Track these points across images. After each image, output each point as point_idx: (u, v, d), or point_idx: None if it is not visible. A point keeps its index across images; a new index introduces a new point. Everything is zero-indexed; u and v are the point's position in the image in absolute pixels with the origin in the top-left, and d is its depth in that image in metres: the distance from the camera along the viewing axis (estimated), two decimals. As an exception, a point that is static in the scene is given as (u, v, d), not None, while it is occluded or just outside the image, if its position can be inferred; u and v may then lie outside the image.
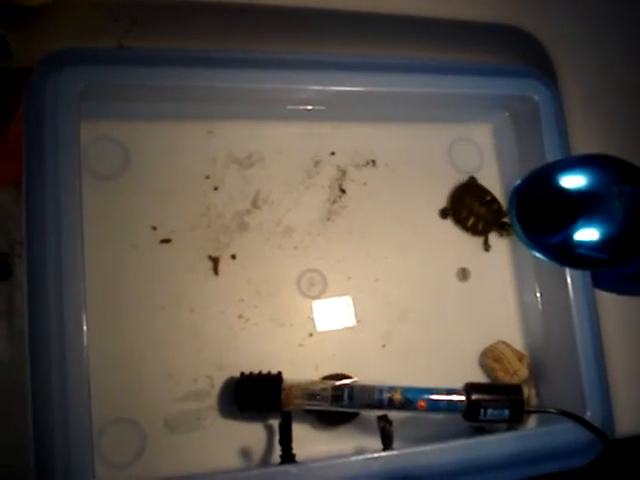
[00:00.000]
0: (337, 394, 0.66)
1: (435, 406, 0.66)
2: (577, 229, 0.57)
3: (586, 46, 0.90)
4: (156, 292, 0.68)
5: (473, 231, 0.80)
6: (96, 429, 0.59)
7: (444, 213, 0.80)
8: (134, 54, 0.68)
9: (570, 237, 0.58)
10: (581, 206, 0.57)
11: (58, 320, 0.58)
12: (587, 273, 0.74)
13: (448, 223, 0.80)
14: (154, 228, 0.70)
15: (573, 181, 0.59)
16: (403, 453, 0.64)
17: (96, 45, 0.71)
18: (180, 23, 0.75)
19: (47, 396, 0.56)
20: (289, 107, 0.75)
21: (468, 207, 0.80)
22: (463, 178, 0.82)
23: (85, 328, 0.58)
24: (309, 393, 0.66)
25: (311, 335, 0.72)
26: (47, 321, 0.57)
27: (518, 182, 0.63)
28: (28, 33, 0.69)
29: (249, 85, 0.69)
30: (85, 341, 0.58)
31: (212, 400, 0.68)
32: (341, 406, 0.66)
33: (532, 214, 0.61)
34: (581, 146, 0.84)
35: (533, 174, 0.63)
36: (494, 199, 0.81)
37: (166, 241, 0.70)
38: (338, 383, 0.67)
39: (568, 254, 0.59)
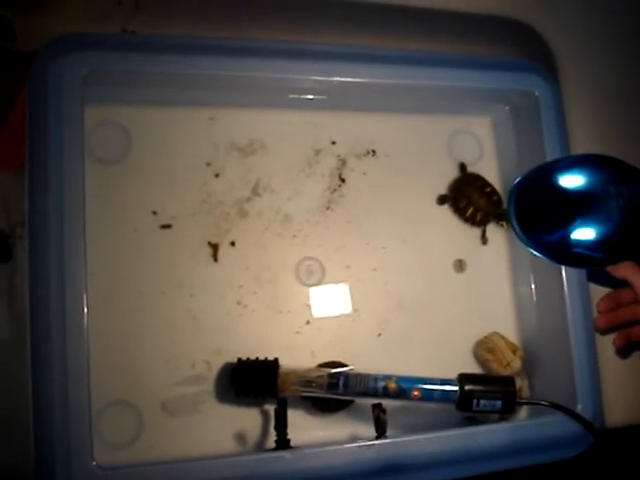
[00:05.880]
0: (332, 382, 0.66)
1: (429, 396, 0.67)
2: (574, 228, 0.58)
3: (588, 41, 0.90)
4: (156, 277, 0.69)
5: (471, 221, 0.80)
6: (95, 411, 0.60)
7: (442, 200, 0.80)
8: (138, 40, 0.68)
9: (567, 236, 0.58)
10: (579, 206, 0.58)
11: (59, 303, 0.58)
12: (582, 268, 0.75)
13: (446, 214, 0.81)
14: (154, 213, 0.70)
15: (571, 181, 0.59)
16: (396, 441, 0.65)
17: (100, 29, 0.71)
18: (183, 8, 0.75)
19: (47, 378, 0.57)
20: (291, 96, 0.75)
21: (468, 197, 0.80)
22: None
23: (86, 311, 0.59)
24: (305, 380, 0.67)
25: (308, 322, 0.73)
26: (48, 304, 0.58)
27: (517, 180, 0.63)
28: (32, 16, 0.69)
29: (251, 73, 0.69)
30: (85, 324, 0.59)
31: (209, 385, 0.69)
32: (336, 394, 0.67)
33: (530, 212, 0.62)
34: (580, 142, 0.84)
35: (532, 173, 0.63)
36: (494, 191, 0.81)
37: (166, 226, 0.70)
38: (334, 371, 0.67)
39: (564, 253, 0.60)
